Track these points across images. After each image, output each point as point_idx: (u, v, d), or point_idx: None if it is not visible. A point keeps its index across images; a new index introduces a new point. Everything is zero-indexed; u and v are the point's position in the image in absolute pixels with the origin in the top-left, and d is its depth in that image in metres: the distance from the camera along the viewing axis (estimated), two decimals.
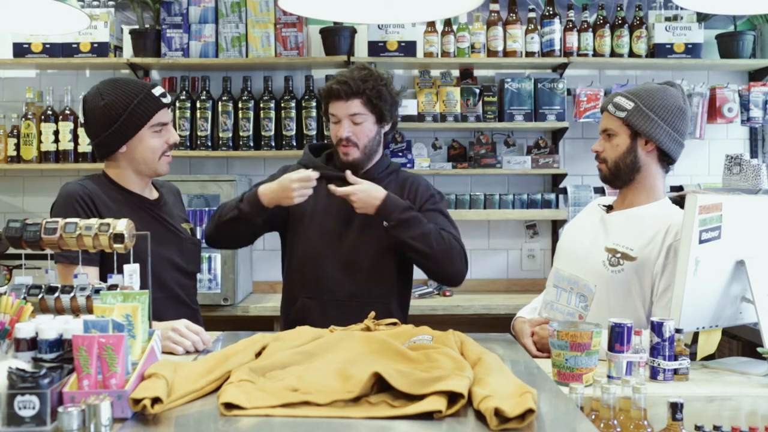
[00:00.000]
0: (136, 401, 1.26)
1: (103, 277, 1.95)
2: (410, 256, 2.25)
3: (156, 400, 1.27)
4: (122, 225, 1.71)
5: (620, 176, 2.09)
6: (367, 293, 2.26)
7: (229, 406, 1.29)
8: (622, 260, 2.02)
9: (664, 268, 1.98)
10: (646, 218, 2.06)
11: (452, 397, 1.30)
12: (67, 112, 3.63)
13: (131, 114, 2.10)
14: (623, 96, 2.07)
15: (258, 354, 1.62)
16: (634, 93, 2.07)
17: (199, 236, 3.48)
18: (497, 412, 1.22)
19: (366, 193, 2.18)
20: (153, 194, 2.27)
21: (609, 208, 2.17)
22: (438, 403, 1.27)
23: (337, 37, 3.65)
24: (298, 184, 2.15)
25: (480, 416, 1.26)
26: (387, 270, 2.29)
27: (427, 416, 1.26)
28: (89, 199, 2.08)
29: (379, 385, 1.36)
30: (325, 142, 2.44)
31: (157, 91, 2.15)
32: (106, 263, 2.00)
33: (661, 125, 2.03)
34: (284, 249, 2.42)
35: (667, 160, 2.09)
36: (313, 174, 2.18)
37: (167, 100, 2.17)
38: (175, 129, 3.57)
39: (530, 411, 1.23)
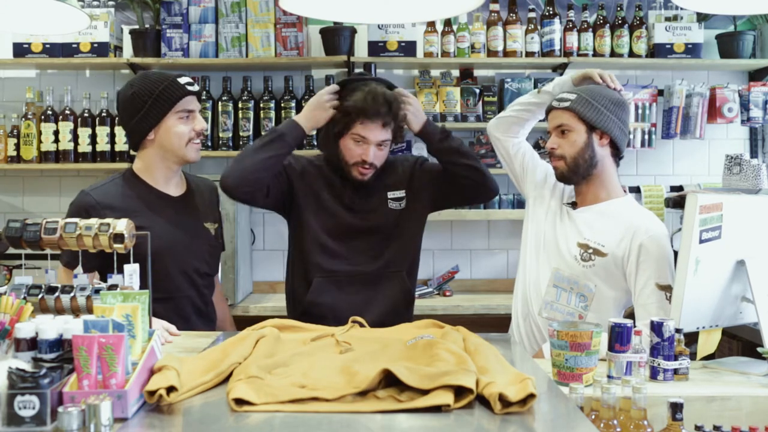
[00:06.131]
0: (151, 393, 1.28)
1: (103, 277, 1.96)
2: (459, 168, 2.30)
3: (171, 389, 1.29)
4: (122, 225, 1.71)
5: (578, 172, 2.14)
6: (382, 263, 2.33)
7: (239, 401, 1.29)
8: (594, 256, 2.09)
9: (638, 266, 2.04)
10: (614, 216, 2.12)
11: (458, 390, 1.31)
12: (67, 112, 3.63)
13: (156, 99, 2.16)
14: (565, 92, 2.17)
15: (257, 342, 1.65)
16: (575, 89, 2.18)
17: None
18: (500, 397, 1.26)
19: (418, 108, 2.33)
20: (179, 189, 2.29)
21: (573, 205, 2.22)
22: (446, 397, 1.28)
23: (337, 37, 3.64)
24: (327, 97, 2.27)
25: (482, 402, 1.30)
26: (398, 239, 2.35)
27: (433, 409, 1.28)
28: (94, 212, 2.09)
29: (385, 380, 1.37)
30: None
31: (183, 80, 2.21)
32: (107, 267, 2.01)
33: (610, 116, 2.10)
34: (292, 235, 2.42)
35: (617, 153, 2.17)
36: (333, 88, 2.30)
37: (194, 88, 2.21)
38: None
39: (531, 396, 1.28)
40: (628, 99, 2.35)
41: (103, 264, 1.97)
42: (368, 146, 2.24)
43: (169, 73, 2.23)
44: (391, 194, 2.37)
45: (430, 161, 2.47)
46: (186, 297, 2.22)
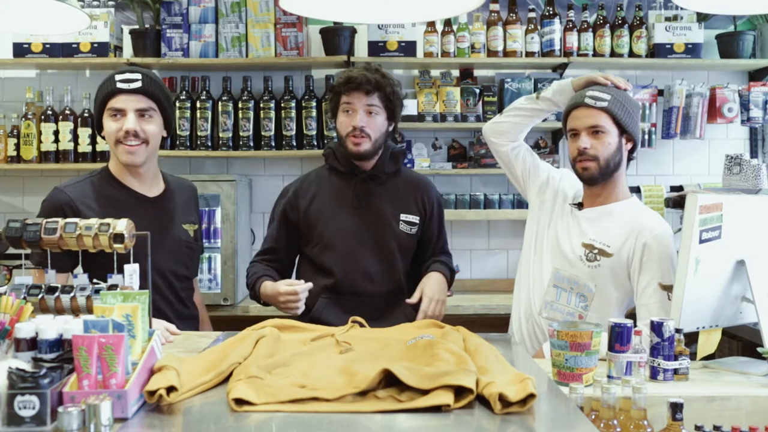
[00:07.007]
0: (151, 393, 1.28)
1: (103, 277, 1.95)
2: None
3: (171, 389, 1.29)
4: (122, 225, 1.71)
5: (607, 173, 2.12)
6: (386, 292, 2.31)
7: (239, 401, 1.29)
8: (599, 256, 2.09)
9: (641, 265, 2.04)
10: (619, 216, 2.12)
11: (458, 390, 1.31)
12: (67, 112, 3.63)
13: (95, 98, 2.19)
14: (596, 90, 2.11)
15: (257, 342, 1.65)
16: (605, 89, 2.12)
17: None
18: (500, 397, 1.26)
19: (438, 295, 2.26)
20: (155, 190, 2.24)
21: (579, 206, 2.20)
22: (446, 397, 1.28)
23: (337, 37, 3.65)
24: (284, 298, 2.15)
25: (482, 402, 1.30)
26: (402, 269, 2.34)
27: (433, 409, 1.28)
28: (69, 210, 2.07)
29: (385, 380, 1.37)
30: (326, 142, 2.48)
31: (121, 76, 2.13)
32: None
33: (636, 121, 2.13)
34: (300, 256, 2.43)
35: (630, 157, 2.19)
36: (302, 288, 2.15)
37: (127, 86, 2.11)
38: (176, 129, 3.61)
39: (531, 396, 1.28)
40: None
41: (75, 264, 1.90)
42: (355, 113, 2.26)
43: (119, 70, 2.17)
44: (404, 216, 2.35)
45: (443, 213, 2.48)
46: (164, 300, 2.18)
